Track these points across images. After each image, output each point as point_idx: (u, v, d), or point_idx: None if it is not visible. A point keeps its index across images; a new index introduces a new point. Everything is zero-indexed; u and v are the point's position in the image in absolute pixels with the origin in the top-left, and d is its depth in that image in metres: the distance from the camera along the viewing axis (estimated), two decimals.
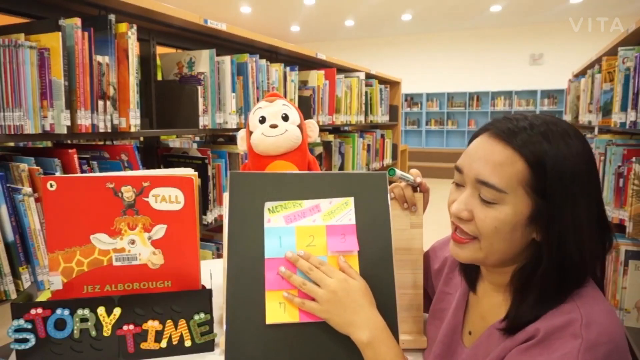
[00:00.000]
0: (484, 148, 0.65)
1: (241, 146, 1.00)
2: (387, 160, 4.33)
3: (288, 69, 2.50)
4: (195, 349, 0.82)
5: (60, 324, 0.77)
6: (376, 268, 0.74)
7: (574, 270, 0.61)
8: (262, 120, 0.94)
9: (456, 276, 0.83)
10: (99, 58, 1.40)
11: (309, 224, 0.75)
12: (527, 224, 0.63)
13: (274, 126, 0.93)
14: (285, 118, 0.94)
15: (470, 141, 0.71)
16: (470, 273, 0.77)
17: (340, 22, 9.06)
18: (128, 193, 0.80)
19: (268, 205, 0.75)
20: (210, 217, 1.93)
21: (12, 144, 1.68)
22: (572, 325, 0.57)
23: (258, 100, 2.09)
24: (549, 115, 0.67)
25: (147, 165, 1.89)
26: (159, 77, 2.03)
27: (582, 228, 0.61)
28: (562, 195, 0.60)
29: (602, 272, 0.66)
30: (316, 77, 2.86)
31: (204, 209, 1.90)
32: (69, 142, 1.60)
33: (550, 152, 0.60)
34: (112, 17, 1.43)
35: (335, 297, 0.69)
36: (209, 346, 0.83)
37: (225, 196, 0.77)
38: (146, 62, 1.88)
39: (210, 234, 2.17)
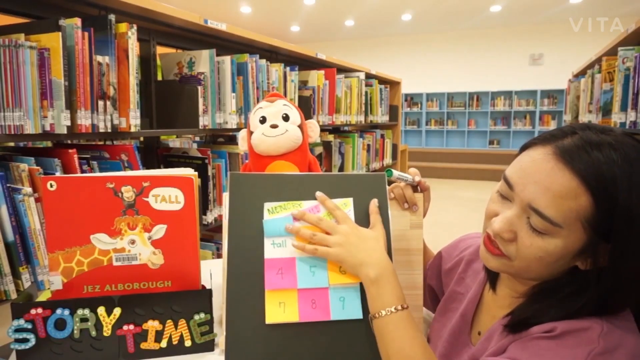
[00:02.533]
0: (545, 171, 0.57)
1: (242, 146, 1.00)
2: (387, 160, 4.33)
3: (288, 69, 2.50)
4: (195, 349, 0.82)
5: (60, 324, 0.77)
6: None
7: (617, 301, 0.58)
8: (263, 120, 0.94)
9: (468, 276, 0.83)
10: (99, 58, 1.40)
11: (308, 224, 0.75)
12: (575, 255, 0.58)
13: (274, 126, 0.93)
14: (286, 118, 0.94)
15: (524, 147, 0.63)
16: (492, 271, 0.74)
17: (340, 22, 9.06)
18: (128, 193, 0.80)
19: (267, 205, 0.76)
20: (210, 217, 1.93)
21: (12, 144, 1.68)
22: (590, 331, 0.54)
23: (258, 100, 2.10)
24: (624, 133, 0.57)
25: (147, 165, 1.89)
26: (159, 77, 2.03)
27: (635, 278, 0.56)
28: (630, 240, 0.54)
29: None
30: (316, 77, 2.86)
31: (204, 209, 1.90)
32: (69, 142, 1.60)
33: (625, 192, 0.53)
34: (112, 17, 1.43)
35: (348, 240, 0.69)
36: (209, 346, 0.83)
37: (225, 196, 0.77)
38: (146, 62, 1.88)
39: (210, 234, 2.17)
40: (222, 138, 2.58)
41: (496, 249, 0.64)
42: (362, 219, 0.76)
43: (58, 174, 1.31)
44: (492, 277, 0.75)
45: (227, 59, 1.96)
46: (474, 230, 0.91)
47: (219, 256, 2.03)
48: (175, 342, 0.82)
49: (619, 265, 0.56)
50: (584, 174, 0.54)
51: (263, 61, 2.23)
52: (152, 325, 0.80)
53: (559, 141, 0.58)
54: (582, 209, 0.54)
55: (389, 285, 0.67)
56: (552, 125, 9.08)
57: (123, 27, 1.46)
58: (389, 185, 0.81)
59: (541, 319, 0.58)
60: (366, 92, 3.67)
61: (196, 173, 0.85)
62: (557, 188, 0.55)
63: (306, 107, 2.72)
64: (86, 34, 1.34)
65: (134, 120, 1.51)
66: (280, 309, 0.71)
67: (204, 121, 1.88)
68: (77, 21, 1.31)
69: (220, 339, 0.82)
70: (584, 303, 0.57)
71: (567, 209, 0.55)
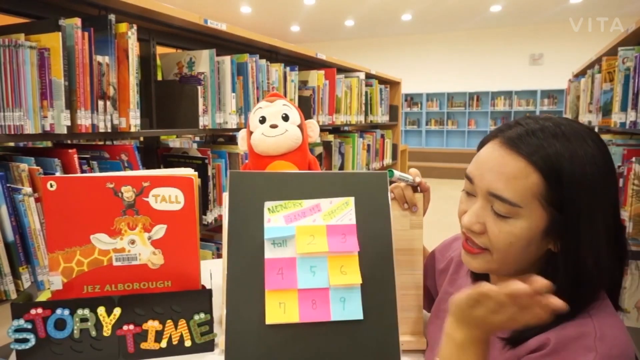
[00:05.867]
0: (495, 158, 0.62)
1: (242, 146, 1.00)
2: (387, 160, 4.33)
3: (288, 69, 2.50)
4: (195, 349, 0.82)
5: (60, 324, 0.77)
6: (376, 269, 0.74)
7: (589, 284, 0.59)
8: (263, 120, 0.94)
9: (461, 277, 0.83)
10: (99, 58, 1.40)
11: (309, 223, 0.75)
12: (543, 236, 0.60)
13: (274, 126, 0.93)
14: (286, 118, 0.94)
15: (480, 146, 0.68)
16: (480, 278, 0.73)
17: (340, 22, 9.06)
18: (128, 193, 0.80)
19: (268, 205, 0.75)
20: (210, 217, 1.93)
21: (12, 144, 1.68)
22: (585, 338, 0.55)
23: (258, 100, 2.09)
24: (563, 118, 0.63)
25: (147, 165, 1.89)
26: (159, 77, 2.03)
27: (599, 241, 0.58)
28: (579, 206, 0.58)
29: (618, 286, 0.63)
30: (316, 77, 2.86)
31: (204, 209, 1.90)
32: (69, 142, 1.60)
33: (566, 163, 0.57)
34: (112, 17, 1.43)
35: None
36: (209, 346, 0.83)
37: (225, 196, 0.77)
38: (146, 62, 1.88)
39: (210, 234, 2.17)
40: (222, 138, 2.58)
41: (474, 248, 0.65)
42: (364, 219, 0.75)
43: (58, 174, 1.30)
44: None
45: (227, 59, 1.96)
46: None
47: (219, 256, 2.03)
48: (175, 342, 0.82)
49: (575, 237, 0.58)
50: (529, 153, 0.59)
51: (263, 61, 2.23)
52: (152, 325, 0.80)
53: (505, 133, 0.63)
54: (535, 187, 0.58)
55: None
56: None
57: (123, 27, 1.46)
58: (389, 185, 0.81)
59: (537, 329, 0.58)
60: (366, 92, 3.67)
61: (196, 173, 0.85)
62: (508, 171, 0.60)
63: (306, 107, 2.72)
64: (86, 34, 1.34)
65: (134, 120, 1.51)
66: (281, 309, 0.71)
67: (204, 121, 1.88)
68: (77, 21, 1.31)
69: (220, 339, 0.82)
70: (558, 288, 0.57)
71: (522, 188, 0.59)
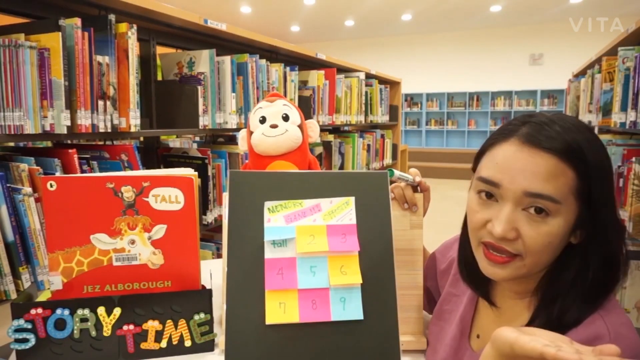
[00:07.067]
0: (524, 158, 0.59)
1: (242, 146, 1.00)
2: (387, 160, 4.33)
3: (288, 69, 2.50)
4: (195, 349, 0.82)
5: (60, 324, 0.77)
6: (377, 268, 0.74)
7: (605, 273, 0.59)
8: (263, 120, 0.94)
9: None
10: (99, 58, 1.40)
11: (309, 223, 0.75)
12: (572, 229, 0.60)
13: (274, 126, 0.93)
14: (286, 118, 0.94)
15: (487, 147, 0.65)
16: (480, 283, 0.72)
17: (340, 22, 9.06)
18: (128, 193, 0.80)
19: (268, 204, 0.75)
20: (210, 217, 1.93)
21: (12, 144, 1.68)
22: (600, 340, 0.55)
23: (258, 100, 2.09)
24: (557, 113, 0.64)
25: (147, 165, 1.89)
26: (159, 77, 2.03)
27: (620, 226, 0.61)
28: (601, 194, 0.59)
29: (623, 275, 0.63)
30: (316, 77, 2.86)
31: (204, 209, 1.90)
32: (69, 142, 1.60)
33: (588, 153, 0.58)
34: (112, 17, 1.43)
35: None
36: (209, 346, 0.83)
37: (225, 196, 0.77)
38: (146, 62, 1.88)
39: (210, 234, 2.17)
40: (222, 138, 2.58)
41: (503, 257, 0.62)
42: (364, 219, 0.75)
43: (58, 174, 1.30)
44: (484, 292, 0.72)
45: (227, 59, 1.96)
46: None
47: (219, 256, 2.03)
48: (175, 342, 0.82)
49: (599, 226, 0.59)
50: (557, 149, 0.58)
51: (263, 61, 2.23)
52: (152, 325, 0.80)
53: (518, 132, 0.61)
54: (571, 181, 0.58)
55: None
56: None
57: (123, 27, 1.46)
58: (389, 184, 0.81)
59: (557, 328, 0.55)
60: (366, 92, 3.66)
61: (196, 173, 0.85)
62: (543, 170, 0.58)
63: (306, 107, 2.72)
64: (86, 34, 1.34)
65: (134, 120, 1.51)
66: (281, 310, 0.71)
67: (204, 121, 1.88)
68: (77, 21, 1.31)
69: (220, 339, 0.82)
70: (576, 279, 0.59)
71: (561, 184, 0.58)
